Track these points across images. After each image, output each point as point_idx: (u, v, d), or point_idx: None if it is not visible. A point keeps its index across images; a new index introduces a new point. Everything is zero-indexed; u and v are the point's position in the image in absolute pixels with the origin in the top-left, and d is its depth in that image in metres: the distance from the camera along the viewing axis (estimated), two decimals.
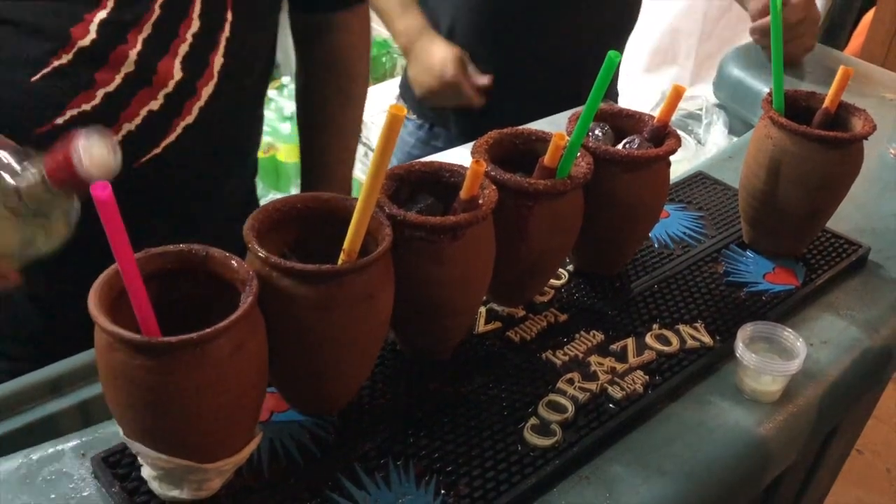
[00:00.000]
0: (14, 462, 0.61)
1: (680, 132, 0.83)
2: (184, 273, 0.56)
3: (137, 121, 0.83)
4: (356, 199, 0.57)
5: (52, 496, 0.59)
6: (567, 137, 0.69)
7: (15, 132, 0.73)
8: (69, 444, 0.63)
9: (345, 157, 1.17)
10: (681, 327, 0.78)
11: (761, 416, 0.71)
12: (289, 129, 2.81)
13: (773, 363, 0.70)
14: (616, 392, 0.70)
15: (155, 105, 0.84)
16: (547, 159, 0.69)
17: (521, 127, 0.76)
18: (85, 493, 0.59)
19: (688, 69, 2.46)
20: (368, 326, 0.60)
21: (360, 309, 0.59)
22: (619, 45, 1.44)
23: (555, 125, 1.12)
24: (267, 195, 2.58)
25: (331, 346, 0.59)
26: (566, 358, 0.73)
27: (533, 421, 0.67)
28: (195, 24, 0.84)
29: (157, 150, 0.87)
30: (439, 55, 1.26)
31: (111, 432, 0.63)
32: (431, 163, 0.70)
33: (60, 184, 0.59)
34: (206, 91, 0.88)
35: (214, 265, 0.56)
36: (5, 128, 0.74)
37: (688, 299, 0.82)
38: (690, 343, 0.76)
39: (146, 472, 0.57)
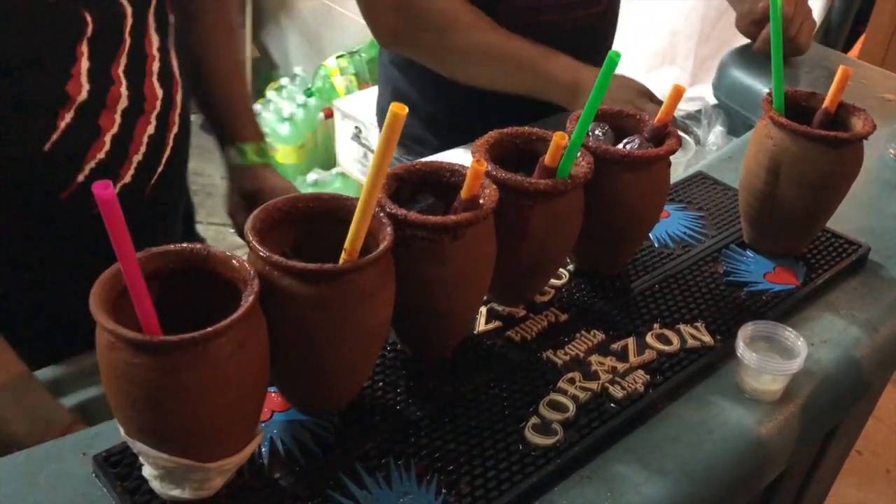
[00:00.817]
0: (15, 461, 0.61)
1: (680, 132, 0.83)
2: (185, 272, 0.56)
3: (143, 149, 0.86)
4: (357, 199, 0.57)
5: (54, 495, 0.59)
6: (567, 137, 0.69)
7: (39, 201, 0.75)
8: (70, 443, 0.63)
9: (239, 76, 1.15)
10: (681, 327, 0.78)
11: (762, 415, 0.71)
12: (287, 129, 2.82)
13: (774, 362, 0.71)
14: (617, 391, 0.70)
15: (151, 129, 0.86)
16: (547, 159, 0.69)
17: (521, 127, 0.76)
18: (86, 492, 0.59)
19: (687, 70, 2.46)
20: (369, 326, 0.60)
21: (362, 308, 0.59)
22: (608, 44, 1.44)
23: (554, 126, 1.12)
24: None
25: (332, 346, 0.59)
26: (567, 357, 0.73)
27: (534, 420, 0.67)
28: (155, 39, 0.86)
29: (161, 168, 0.90)
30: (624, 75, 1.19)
31: (112, 432, 0.63)
32: (432, 162, 0.70)
33: None
34: (179, 97, 0.91)
35: (215, 264, 0.56)
36: (29, 201, 0.76)
37: (688, 299, 0.82)
38: (691, 342, 0.76)
39: (147, 471, 0.57)
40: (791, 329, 0.73)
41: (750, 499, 0.75)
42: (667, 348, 0.75)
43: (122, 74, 0.81)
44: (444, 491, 0.60)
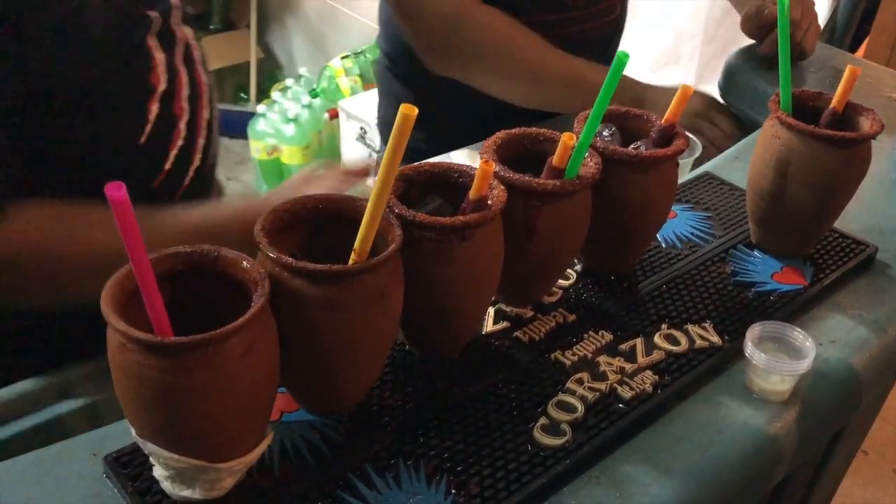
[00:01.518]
0: (26, 461, 0.61)
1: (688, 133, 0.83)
2: (195, 274, 0.56)
3: (204, 132, 0.91)
4: (366, 200, 0.58)
5: (64, 496, 0.59)
6: (575, 138, 0.69)
7: (134, 192, 0.76)
8: (81, 443, 0.63)
9: None
10: (689, 327, 0.78)
11: (770, 415, 0.71)
12: (292, 130, 2.82)
13: (783, 363, 0.70)
14: (625, 392, 0.70)
15: (206, 113, 0.91)
16: (555, 159, 0.69)
17: (529, 127, 0.76)
18: (97, 493, 0.59)
19: (692, 71, 2.46)
20: (378, 326, 0.61)
21: (371, 309, 0.59)
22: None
23: (562, 126, 1.13)
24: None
25: (341, 346, 0.59)
26: (575, 358, 0.73)
27: (542, 421, 0.67)
28: (187, 30, 0.91)
29: (213, 150, 0.95)
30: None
31: (123, 432, 0.64)
32: (440, 163, 0.70)
33: None
34: (210, 83, 0.95)
35: (226, 266, 0.56)
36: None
37: (696, 299, 0.82)
38: (699, 343, 0.76)
39: (158, 471, 0.57)
40: (799, 329, 0.73)
41: (757, 499, 0.76)
42: (675, 349, 0.75)
43: (181, 64, 0.86)
44: (453, 491, 0.61)
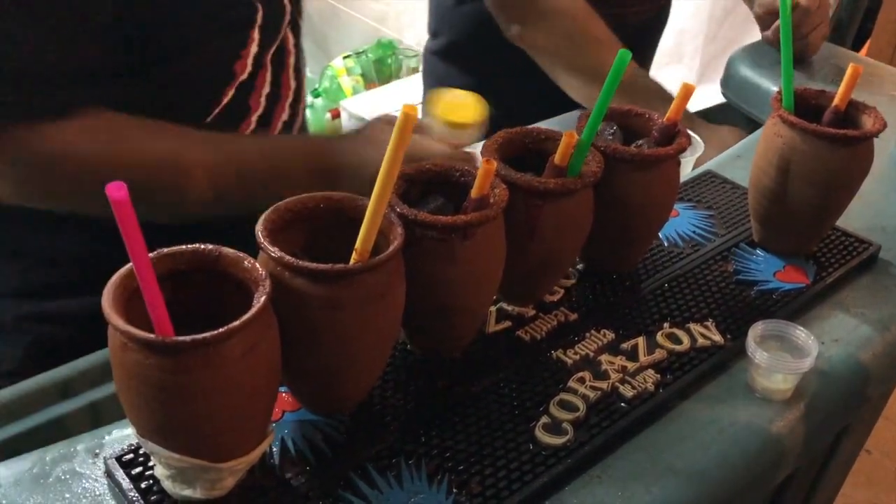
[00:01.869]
0: (27, 462, 0.61)
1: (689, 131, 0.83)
2: (196, 273, 0.56)
3: (278, 132, 0.93)
4: (368, 199, 0.58)
5: (66, 496, 0.59)
6: (577, 136, 0.69)
7: None
8: (82, 443, 0.63)
9: None
10: (691, 326, 0.78)
11: (773, 414, 0.71)
12: None
13: (785, 361, 0.70)
14: (627, 391, 0.70)
15: (285, 116, 0.93)
16: (557, 158, 0.69)
17: (531, 126, 0.76)
18: (98, 493, 0.59)
19: (694, 69, 2.46)
20: (380, 325, 0.61)
21: (372, 308, 0.59)
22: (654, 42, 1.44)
23: (565, 124, 1.13)
24: None
25: (343, 346, 0.59)
26: (577, 357, 0.73)
27: (544, 420, 0.67)
28: (291, 37, 0.93)
29: None
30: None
31: (124, 432, 0.64)
32: (442, 163, 0.70)
33: None
34: (302, 93, 0.98)
35: (227, 265, 0.56)
36: None
37: (698, 298, 0.82)
38: (701, 342, 0.76)
39: (159, 471, 0.57)
40: (802, 328, 0.73)
41: (760, 498, 0.75)
42: (677, 347, 0.75)
43: (269, 61, 0.88)
44: (454, 490, 0.61)
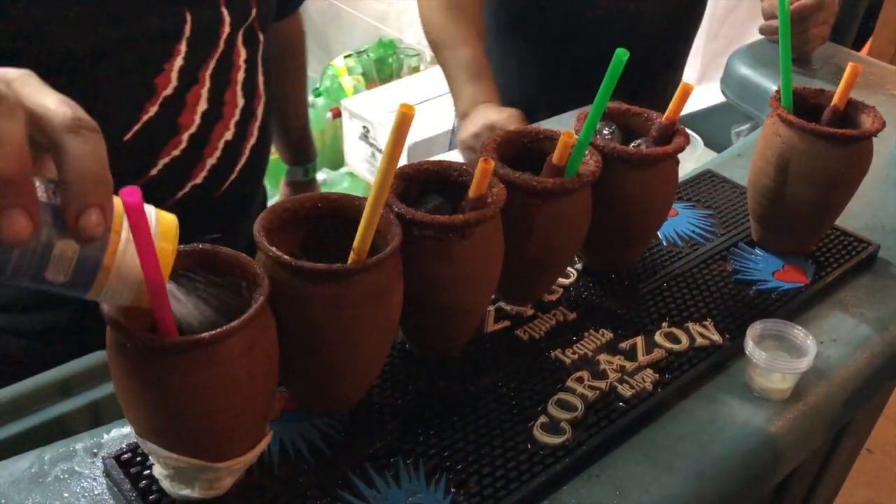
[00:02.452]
0: (26, 461, 0.61)
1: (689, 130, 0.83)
2: (195, 273, 0.56)
3: (217, 153, 0.87)
4: (365, 199, 0.58)
5: (65, 495, 0.59)
6: (575, 136, 0.69)
7: (117, 184, 0.76)
8: (81, 443, 0.63)
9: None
10: (690, 325, 0.78)
11: (771, 413, 0.71)
12: None
13: (783, 361, 0.70)
14: (625, 390, 0.70)
15: (229, 135, 0.88)
16: (555, 158, 0.69)
17: (529, 125, 0.76)
18: (97, 492, 0.59)
19: (695, 68, 2.46)
20: (378, 325, 0.61)
21: (370, 308, 0.59)
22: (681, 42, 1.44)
23: (562, 124, 1.13)
24: (274, 196, 2.59)
25: (341, 345, 0.59)
26: (575, 356, 0.73)
27: (542, 419, 0.67)
28: (243, 51, 0.88)
29: (234, 176, 0.92)
30: (504, 114, 1.13)
31: (123, 432, 0.64)
32: (440, 162, 0.70)
33: None
34: (260, 111, 0.93)
35: (225, 264, 0.56)
36: None
37: (697, 297, 0.82)
38: (700, 341, 0.76)
39: (157, 470, 0.57)
40: (800, 327, 0.73)
41: (759, 497, 0.75)
42: (675, 347, 0.75)
43: (207, 77, 0.84)
44: (452, 490, 0.61)
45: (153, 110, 0.80)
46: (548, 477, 0.62)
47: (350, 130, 2.72)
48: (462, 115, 1.17)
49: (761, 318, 0.75)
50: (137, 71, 0.79)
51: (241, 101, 0.89)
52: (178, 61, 0.80)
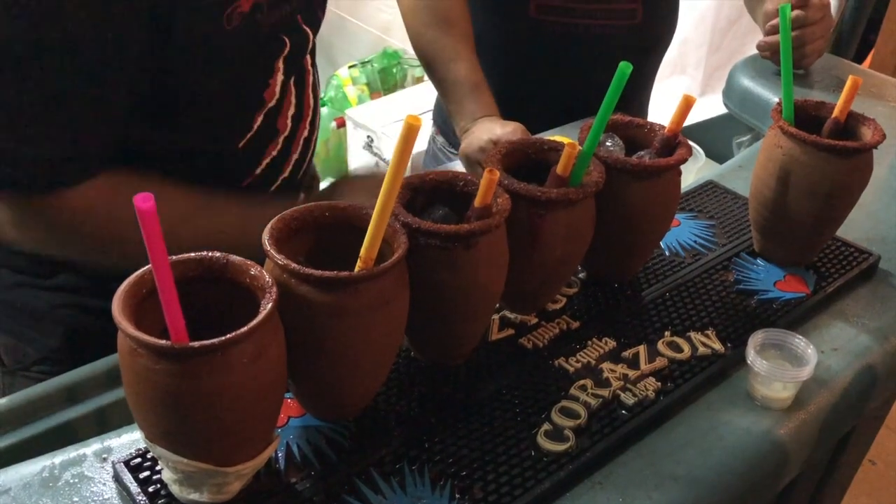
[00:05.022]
0: (37, 466, 0.62)
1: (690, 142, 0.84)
2: (205, 280, 0.57)
3: (299, 149, 0.98)
4: (372, 208, 0.58)
5: (75, 499, 0.60)
6: (579, 147, 0.70)
7: (224, 188, 0.88)
8: (91, 448, 0.64)
9: None
10: (692, 334, 0.78)
11: (772, 422, 0.72)
12: None
13: (784, 370, 0.71)
14: (628, 398, 0.70)
15: (306, 132, 0.99)
16: (559, 168, 0.70)
17: (533, 136, 0.77)
18: (107, 497, 0.60)
19: (697, 80, 2.47)
20: (384, 333, 0.61)
21: (376, 315, 0.60)
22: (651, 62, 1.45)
23: (566, 135, 1.13)
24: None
25: (347, 352, 0.60)
26: (579, 365, 0.74)
27: (546, 426, 0.67)
28: (309, 56, 0.98)
29: (306, 165, 1.03)
30: (508, 128, 1.12)
31: (133, 436, 0.65)
32: (446, 172, 0.71)
33: None
34: (318, 108, 1.03)
35: (235, 272, 0.57)
36: (216, 187, 0.88)
37: (699, 307, 0.82)
38: (702, 350, 0.77)
39: (167, 475, 0.58)
40: (801, 337, 0.74)
41: None
42: (678, 356, 0.76)
43: (293, 85, 0.94)
44: (457, 496, 0.61)
45: (260, 119, 0.90)
46: (551, 483, 0.63)
47: (354, 140, 2.73)
48: (463, 131, 1.18)
49: (763, 327, 0.75)
50: (251, 89, 0.89)
51: (312, 102, 0.99)
52: (279, 76, 0.90)
